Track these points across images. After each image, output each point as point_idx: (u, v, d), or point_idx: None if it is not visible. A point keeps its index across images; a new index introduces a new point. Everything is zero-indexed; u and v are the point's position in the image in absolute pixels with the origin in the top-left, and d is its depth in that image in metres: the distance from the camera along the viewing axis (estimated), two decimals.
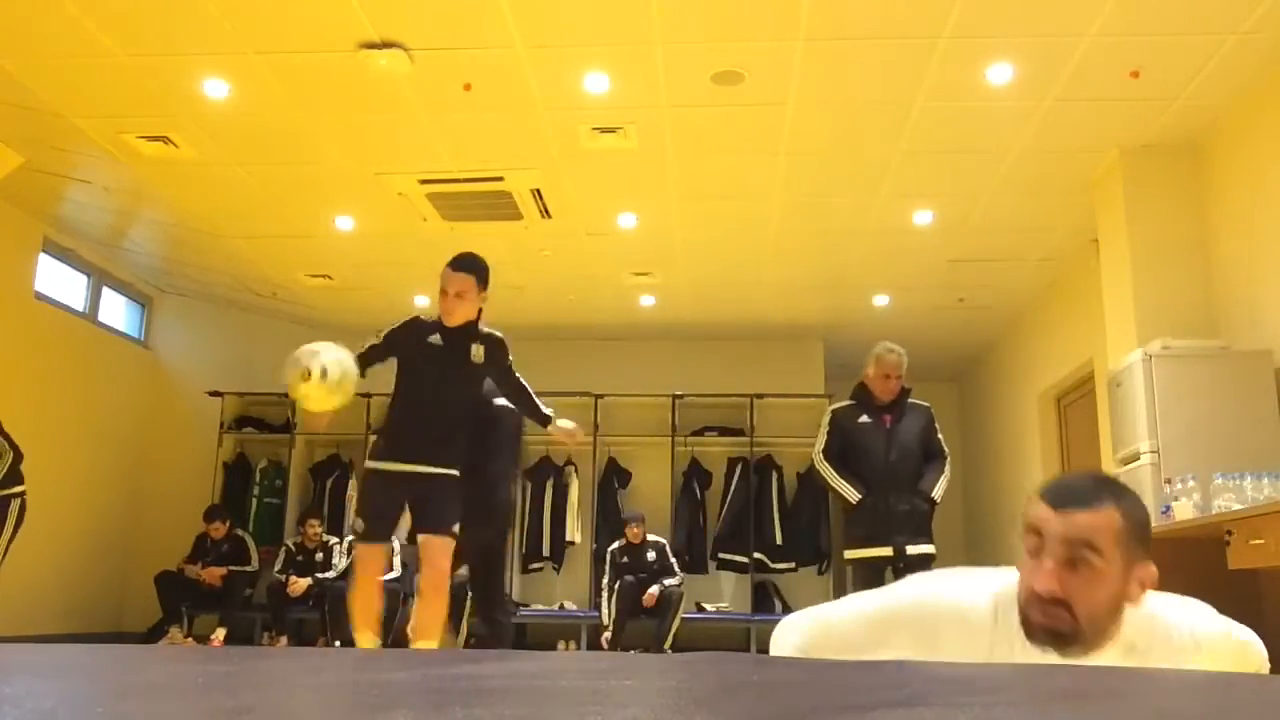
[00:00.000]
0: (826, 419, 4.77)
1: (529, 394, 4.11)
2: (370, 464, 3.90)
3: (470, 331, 3.93)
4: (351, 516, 4.01)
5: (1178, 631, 1.47)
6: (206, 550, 7.95)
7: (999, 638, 1.42)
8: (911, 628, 1.48)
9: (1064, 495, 1.40)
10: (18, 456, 5.12)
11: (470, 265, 3.88)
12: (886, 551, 4.45)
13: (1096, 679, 1.32)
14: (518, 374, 4.12)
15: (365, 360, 3.78)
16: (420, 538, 3.84)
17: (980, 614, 1.44)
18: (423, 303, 8.52)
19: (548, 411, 4.08)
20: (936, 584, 1.54)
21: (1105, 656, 1.40)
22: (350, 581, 3.93)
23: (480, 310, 3.95)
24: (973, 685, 1.10)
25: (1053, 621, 1.37)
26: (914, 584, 1.57)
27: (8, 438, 5.05)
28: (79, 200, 7.02)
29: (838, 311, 8.76)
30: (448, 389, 3.86)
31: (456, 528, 3.85)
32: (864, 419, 4.62)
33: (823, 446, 4.65)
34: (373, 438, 4.20)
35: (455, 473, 3.89)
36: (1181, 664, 1.43)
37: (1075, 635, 1.38)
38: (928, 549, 4.52)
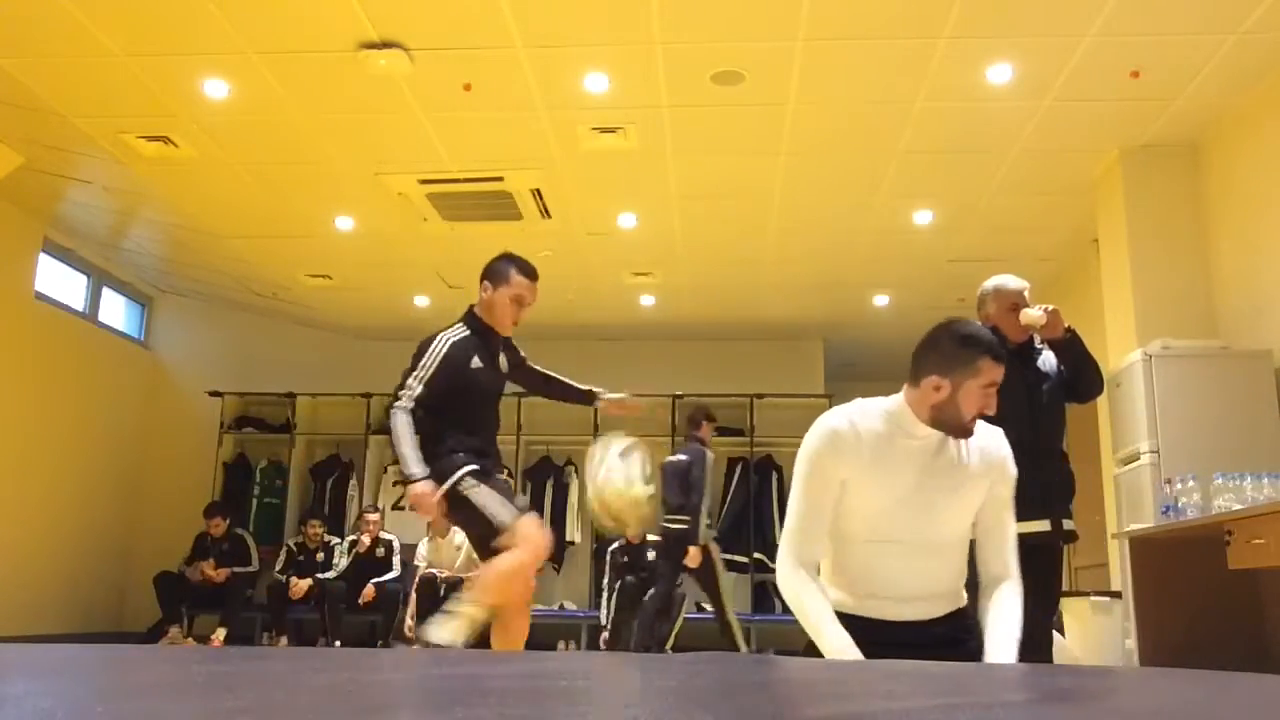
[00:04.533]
0: None
1: (558, 378, 3.97)
2: (470, 465, 3.51)
3: (500, 340, 3.78)
4: (496, 513, 3.44)
5: (993, 453, 2.29)
6: (207, 549, 7.94)
7: (871, 434, 2.16)
8: (833, 468, 2.17)
9: (1003, 352, 2.20)
10: None
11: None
12: (1044, 526, 3.50)
13: (1096, 679, 1.32)
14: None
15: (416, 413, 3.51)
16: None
17: (851, 428, 2.17)
18: (422, 302, 8.52)
19: (585, 388, 3.95)
20: (820, 434, 2.21)
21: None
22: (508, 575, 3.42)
23: None
24: (972, 685, 1.10)
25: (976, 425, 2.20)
26: (811, 443, 2.21)
27: None
28: (79, 200, 7.02)
29: (838, 311, 8.76)
30: (493, 407, 3.73)
31: None
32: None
33: None
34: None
35: None
36: (976, 439, 2.23)
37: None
38: (1072, 524, 3.63)
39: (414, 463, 3.37)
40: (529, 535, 3.42)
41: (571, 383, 3.94)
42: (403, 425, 3.41)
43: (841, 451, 2.16)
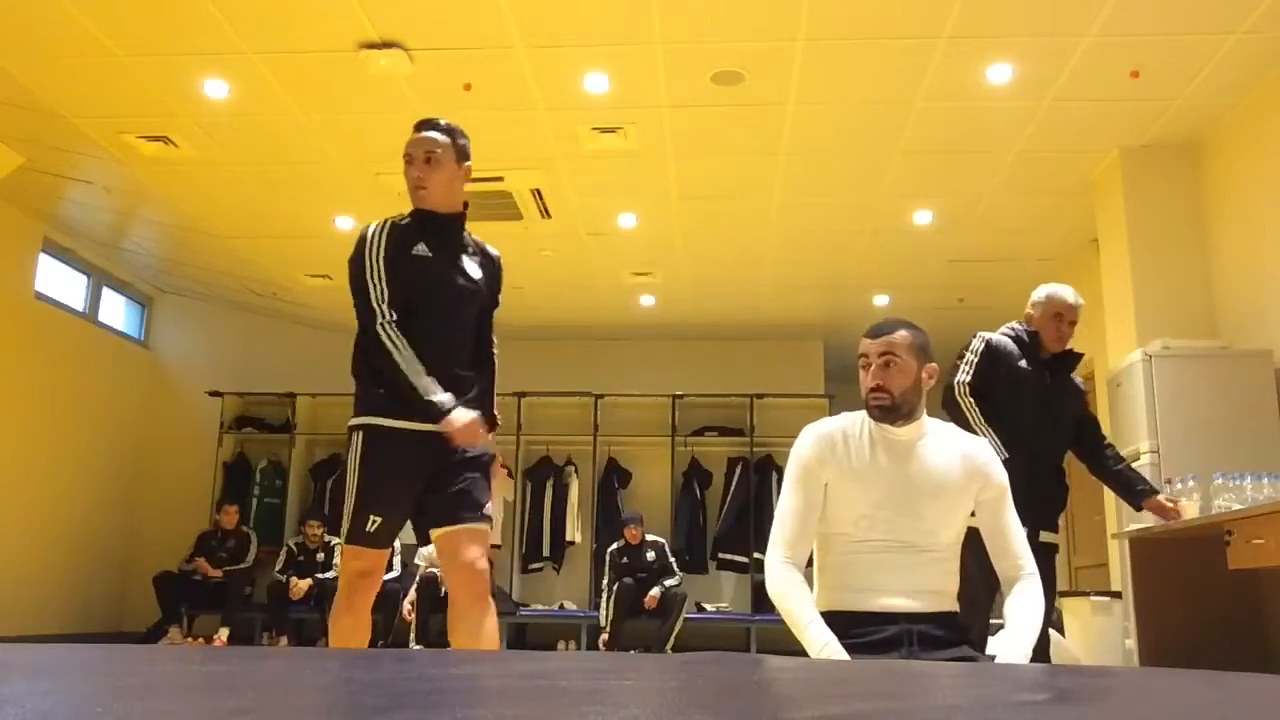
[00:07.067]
0: (978, 345, 3.71)
1: (493, 368, 2.98)
2: (371, 420, 2.68)
3: (456, 229, 2.93)
4: (346, 508, 2.68)
5: (959, 431, 2.36)
6: (211, 547, 7.95)
7: (854, 440, 2.27)
8: (817, 471, 2.26)
9: (875, 329, 2.30)
10: None
11: (436, 123, 2.89)
12: None
13: (1096, 679, 1.32)
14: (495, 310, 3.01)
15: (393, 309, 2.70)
16: (445, 530, 2.68)
17: (836, 433, 2.29)
18: None
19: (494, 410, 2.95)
20: (807, 439, 2.30)
21: (917, 429, 2.27)
22: (339, 603, 2.70)
23: (465, 203, 2.97)
24: (971, 685, 1.10)
25: (879, 401, 2.24)
26: (798, 448, 2.31)
27: None
28: (79, 200, 7.02)
29: (838, 311, 8.76)
30: (451, 314, 2.80)
31: (491, 506, 2.76)
32: (1023, 363, 3.69)
33: (968, 378, 3.63)
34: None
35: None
36: (959, 447, 2.30)
37: (894, 408, 2.23)
38: (1055, 538, 3.63)
39: (431, 388, 2.62)
40: (359, 573, 2.69)
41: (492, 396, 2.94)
42: (392, 342, 2.66)
43: (824, 455, 2.26)
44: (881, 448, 2.26)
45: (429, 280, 2.77)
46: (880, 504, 2.21)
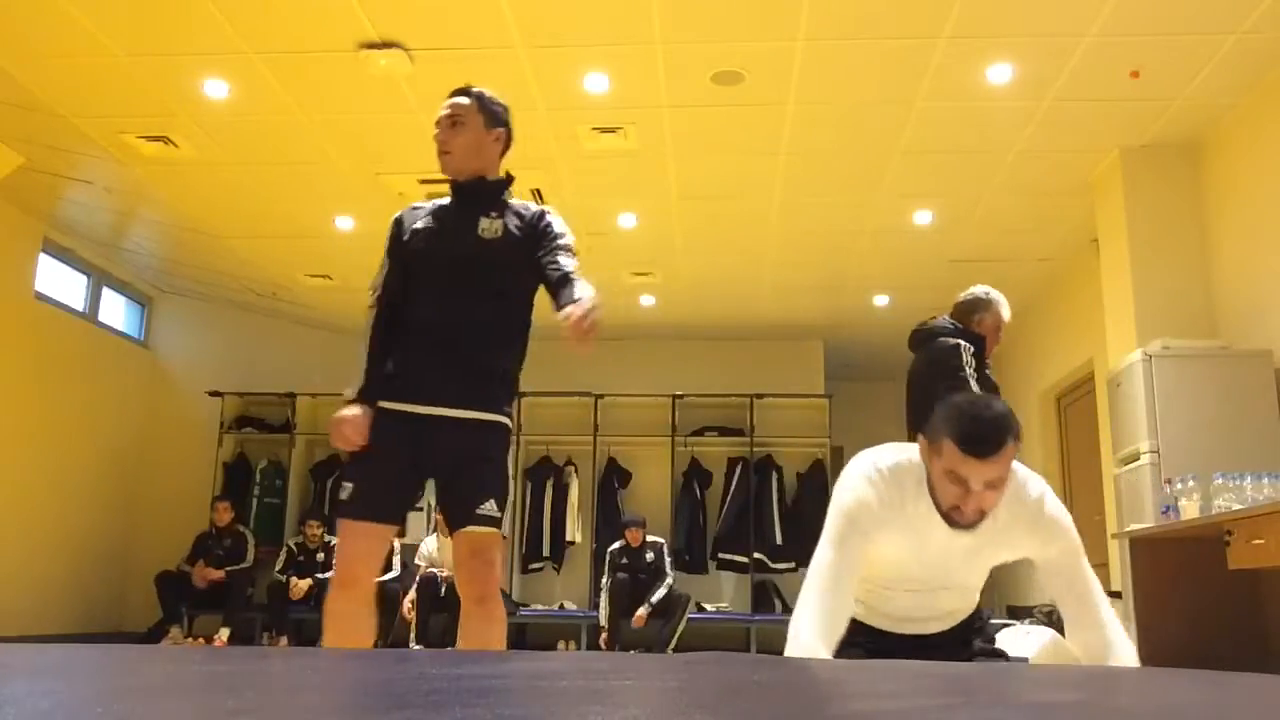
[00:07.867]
0: (968, 358, 3.70)
1: (561, 279, 2.74)
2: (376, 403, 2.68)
3: (479, 194, 2.72)
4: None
5: (1022, 483, 2.03)
6: (208, 547, 7.96)
7: (913, 507, 1.99)
8: (874, 536, 2.00)
9: (981, 447, 1.87)
10: None
11: (466, 89, 2.78)
12: None
13: (1095, 679, 1.32)
14: (569, 251, 2.75)
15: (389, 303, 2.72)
16: (455, 533, 2.61)
17: (902, 497, 1.99)
18: None
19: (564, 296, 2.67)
20: (870, 498, 2.00)
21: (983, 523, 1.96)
22: (330, 595, 2.55)
23: (507, 173, 2.79)
24: (972, 685, 1.10)
25: (974, 520, 1.93)
26: (860, 507, 2.01)
27: None
28: (79, 200, 7.02)
29: (838, 311, 8.76)
30: (448, 286, 2.66)
31: (495, 508, 2.58)
32: (988, 370, 3.65)
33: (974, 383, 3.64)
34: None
35: (503, 420, 2.66)
36: (1018, 509, 2.00)
37: (982, 521, 1.94)
38: None
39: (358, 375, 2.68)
40: (341, 557, 2.58)
41: (570, 290, 2.72)
42: (366, 324, 2.74)
43: (885, 522, 2.01)
44: (927, 501, 2.01)
45: (419, 254, 2.68)
46: (919, 558, 2.07)
